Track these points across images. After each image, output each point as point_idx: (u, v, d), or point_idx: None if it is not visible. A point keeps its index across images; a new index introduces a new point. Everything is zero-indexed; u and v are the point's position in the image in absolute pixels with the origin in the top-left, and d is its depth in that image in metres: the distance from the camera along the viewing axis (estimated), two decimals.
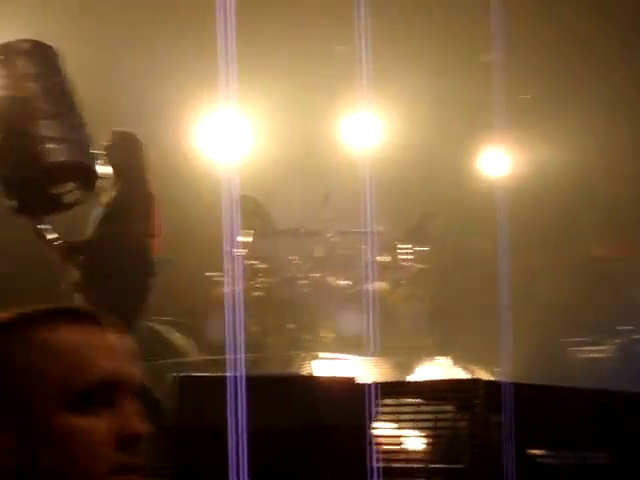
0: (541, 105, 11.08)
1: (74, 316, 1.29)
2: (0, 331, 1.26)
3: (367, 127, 10.25)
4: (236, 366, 4.59)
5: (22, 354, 1.25)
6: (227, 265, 8.12)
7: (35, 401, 1.23)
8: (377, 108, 9.98)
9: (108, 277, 5.78)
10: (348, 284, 8.79)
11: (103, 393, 1.24)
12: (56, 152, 4.81)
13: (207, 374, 5.47)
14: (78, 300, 5.77)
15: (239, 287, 8.34)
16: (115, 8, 9.42)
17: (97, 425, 1.23)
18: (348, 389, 5.07)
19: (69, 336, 1.26)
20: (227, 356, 5.26)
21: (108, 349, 1.27)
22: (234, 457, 3.68)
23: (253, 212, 8.87)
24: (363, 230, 8.89)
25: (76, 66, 5.35)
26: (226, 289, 8.05)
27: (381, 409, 5.21)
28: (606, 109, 10.52)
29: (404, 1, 10.33)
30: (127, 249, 5.88)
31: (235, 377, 4.22)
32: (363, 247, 8.91)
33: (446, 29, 10.07)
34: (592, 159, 10.57)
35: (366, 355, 8.40)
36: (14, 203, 4.99)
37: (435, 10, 10.00)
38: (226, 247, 6.68)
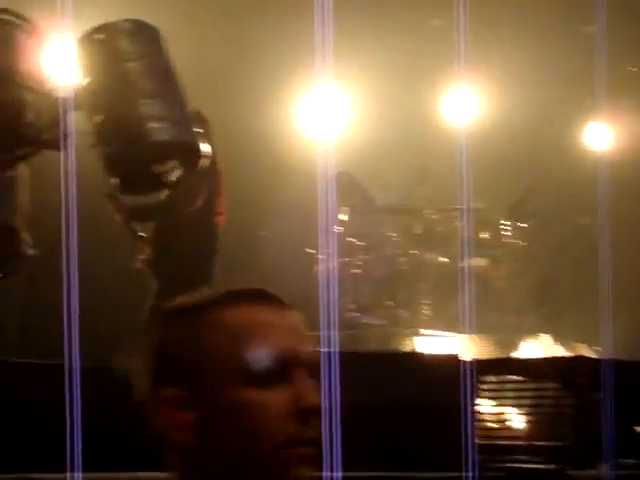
0: None
1: (253, 296, 1.35)
2: (190, 313, 1.32)
3: (465, 103, 10.13)
4: (330, 343, 4.61)
5: (207, 336, 1.31)
6: (322, 242, 8.15)
7: (215, 379, 1.29)
8: (476, 83, 9.86)
9: (174, 250, 5.80)
10: (447, 261, 8.73)
11: (279, 368, 1.29)
12: (159, 131, 4.86)
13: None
14: (149, 277, 5.84)
15: (333, 264, 8.37)
16: None
17: (273, 399, 1.28)
18: (450, 366, 5.05)
19: (248, 316, 1.32)
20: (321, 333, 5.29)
21: (283, 326, 1.33)
22: (327, 435, 3.69)
23: (351, 189, 8.85)
24: (461, 207, 8.81)
25: (175, 47, 5.39)
26: (321, 266, 8.08)
27: (483, 386, 5.19)
28: None
29: None
30: (193, 223, 5.85)
31: (329, 353, 4.23)
32: (461, 224, 8.83)
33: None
34: None
35: (466, 333, 8.35)
36: (117, 181, 5.07)
37: None
38: (321, 224, 6.68)
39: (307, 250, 8.41)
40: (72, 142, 4.98)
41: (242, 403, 1.27)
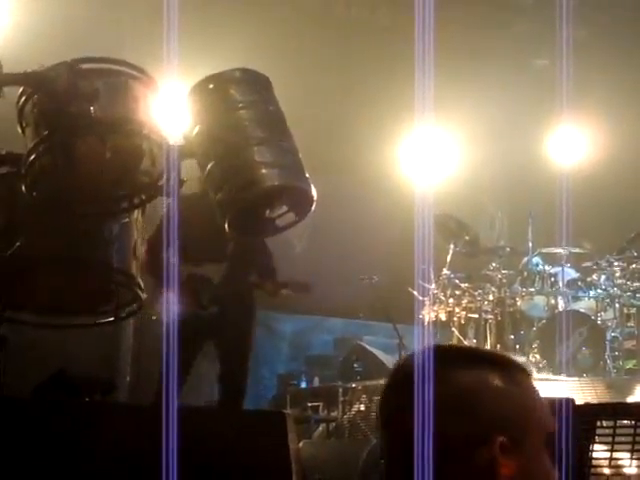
0: None
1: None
2: (498, 369, 1.60)
3: (571, 143, 10.03)
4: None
5: (514, 391, 1.59)
6: (419, 285, 8.11)
7: (530, 435, 1.56)
8: (581, 123, 9.76)
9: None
10: (553, 303, 8.60)
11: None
12: (270, 176, 4.94)
13: None
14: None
15: (429, 306, 8.31)
16: (316, 35, 9.66)
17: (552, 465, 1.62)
18: (567, 411, 4.96)
19: (534, 384, 1.64)
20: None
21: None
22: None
23: (455, 231, 8.83)
24: (564, 249, 8.70)
25: (283, 94, 5.48)
26: (418, 308, 8.04)
27: (598, 431, 5.08)
28: None
29: (611, 11, 10.08)
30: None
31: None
32: (564, 266, 8.70)
33: None
34: None
35: (576, 376, 8.20)
36: (231, 226, 5.15)
37: None
38: (418, 267, 6.66)
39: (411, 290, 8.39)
40: (182, 189, 5.10)
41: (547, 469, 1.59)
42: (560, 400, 5.40)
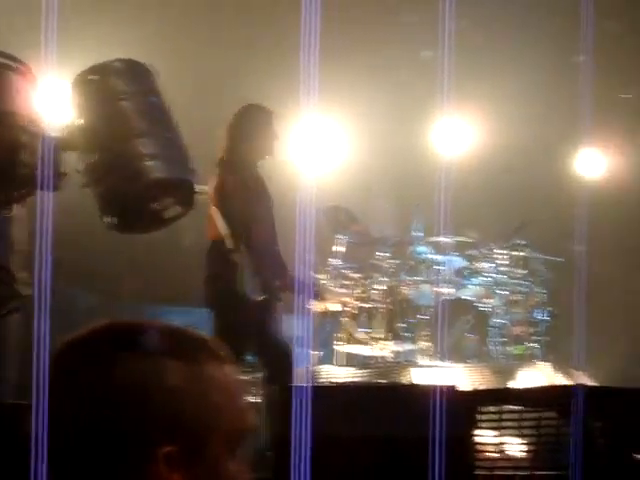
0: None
1: (211, 347, 1.32)
2: (183, 358, 1.28)
3: (456, 135, 10.16)
4: (307, 376, 4.59)
5: (195, 389, 1.27)
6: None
7: (209, 442, 1.26)
8: (464, 113, 9.91)
9: None
10: (444, 292, 8.73)
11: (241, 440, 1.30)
12: (155, 168, 4.89)
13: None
14: None
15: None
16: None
17: (241, 470, 1.29)
18: (448, 397, 5.04)
19: (229, 377, 1.31)
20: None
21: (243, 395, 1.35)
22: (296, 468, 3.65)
23: (345, 221, 8.88)
24: (450, 238, 8.83)
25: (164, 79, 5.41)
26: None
27: (483, 417, 5.18)
28: None
29: (489, 2, 10.24)
30: None
31: (302, 388, 4.22)
32: (453, 255, 8.85)
33: (535, 29, 9.95)
34: None
35: (464, 362, 8.36)
36: (114, 220, 5.09)
37: (520, 10, 9.89)
38: (299, 259, 6.69)
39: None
40: (64, 182, 5.00)
41: (227, 471, 1.27)
42: (441, 387, 5.51)
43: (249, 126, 6.09)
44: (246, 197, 5.94)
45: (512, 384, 7.58)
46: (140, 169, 4.85)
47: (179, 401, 1.25)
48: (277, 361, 6.00)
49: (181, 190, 5.04)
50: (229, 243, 5.91)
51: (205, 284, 6.17)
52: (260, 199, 6.09)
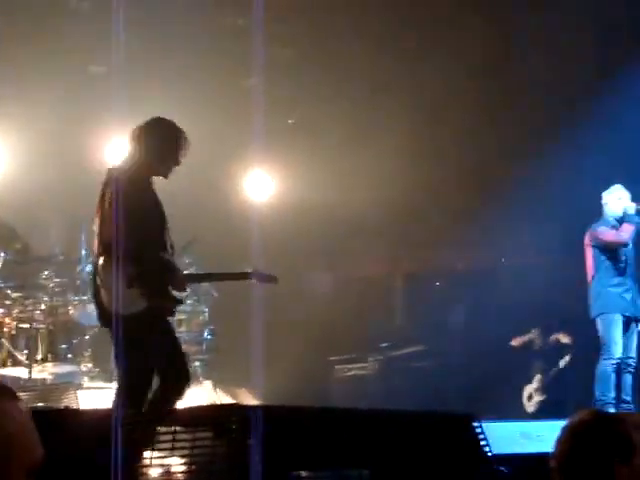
0: (305, 129, 11.26)
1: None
2: None
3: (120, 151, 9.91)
4: None
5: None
6: None
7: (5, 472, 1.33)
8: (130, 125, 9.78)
9: None
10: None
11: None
12: None
13: None
14: None
15: None
16: None
17: None
18: (106, 419, 4.94)
19: (19, 413, 1.39)
20: None
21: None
22: None
23: (6, 238, 8.53)
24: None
25: None
26: None
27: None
28: (368, 136, 10.81)
29: (162, 22, 10.23)
30: None
31: None
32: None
33: (206, 51, 10.05)
34: (354, 184, 10.83)
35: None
36: None
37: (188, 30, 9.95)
38: None
39: None
40: None
41: None
42: (100, 411, 5.40)
43: None
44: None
45: None
46: None
47: None
48: None
49: None
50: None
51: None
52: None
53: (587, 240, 7.89)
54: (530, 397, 9.60)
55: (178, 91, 9.77)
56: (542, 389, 9.57)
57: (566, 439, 1.78)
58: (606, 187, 8.07)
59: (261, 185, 10.89)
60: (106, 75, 9.42)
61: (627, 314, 7.72)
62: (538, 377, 9.59)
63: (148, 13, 9.40)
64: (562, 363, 9.49)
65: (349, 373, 10.46)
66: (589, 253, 7.89)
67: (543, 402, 9.55)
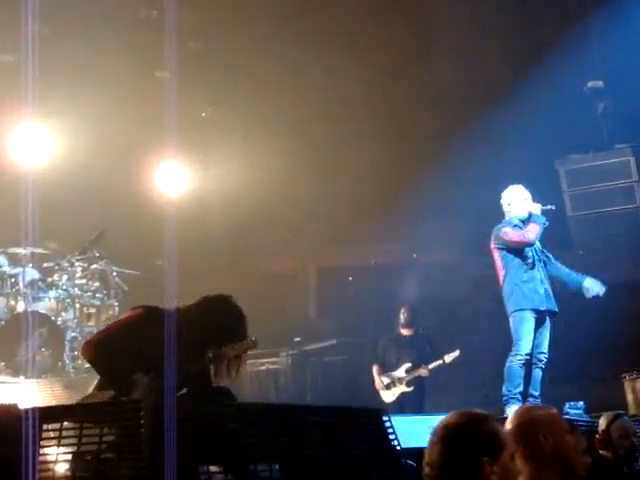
0: (221, 121, 11.22)
1: None
2: None
3: (35, 144, 9.70)
4: None
5: None
6: None
7: None
8: (45, 122, 9.62)
9: None
10: (18, 305, 8.44)
11: None
12: None
13: None
14: None
15: None
16: None
17: None
18: (8, 417, 4.84)
19: None
20: None
21: None
22: None
23: None
24: (26, 249, 8.58)
25: None
26: None
27: (45, 435, 5.04)
28: (292, 129, 10.82)
29: (78, 14, 10.10)
30: None
31: None
32: (26, 267, 8.59)
33: (118, 42, 9.95)
34: (269, 178, 10.82)
35: (38, 377, 8.12)
36: None
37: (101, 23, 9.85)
38: None
39: None
40: None
41: None
42: (5, 406, 5.30)
43: None
44: None
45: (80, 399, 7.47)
46: None
47: None
48: None
49: None
50: None
51: None
52: None
53: (492, 243, 7.92)
54: (389, 386, 9.20)
55: (92, 83, 9.67)
56: (409, 382, 9.19)
57: (436, 442, 1.82)
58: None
59: (174, 178, 10.80)
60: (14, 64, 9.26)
61: (542, 308, 7.75)
62: (406, 366, 9.24)
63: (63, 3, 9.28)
64: (448, 358, 9.20)
65: (262, 367, 10.45)
66: (496, 255, 7.92)
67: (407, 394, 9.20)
